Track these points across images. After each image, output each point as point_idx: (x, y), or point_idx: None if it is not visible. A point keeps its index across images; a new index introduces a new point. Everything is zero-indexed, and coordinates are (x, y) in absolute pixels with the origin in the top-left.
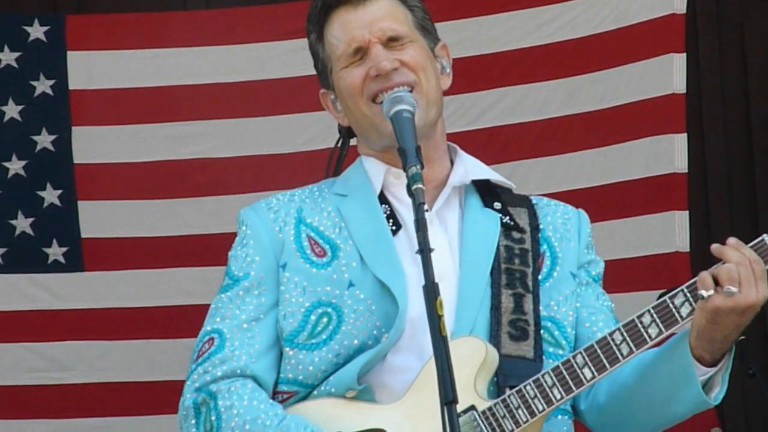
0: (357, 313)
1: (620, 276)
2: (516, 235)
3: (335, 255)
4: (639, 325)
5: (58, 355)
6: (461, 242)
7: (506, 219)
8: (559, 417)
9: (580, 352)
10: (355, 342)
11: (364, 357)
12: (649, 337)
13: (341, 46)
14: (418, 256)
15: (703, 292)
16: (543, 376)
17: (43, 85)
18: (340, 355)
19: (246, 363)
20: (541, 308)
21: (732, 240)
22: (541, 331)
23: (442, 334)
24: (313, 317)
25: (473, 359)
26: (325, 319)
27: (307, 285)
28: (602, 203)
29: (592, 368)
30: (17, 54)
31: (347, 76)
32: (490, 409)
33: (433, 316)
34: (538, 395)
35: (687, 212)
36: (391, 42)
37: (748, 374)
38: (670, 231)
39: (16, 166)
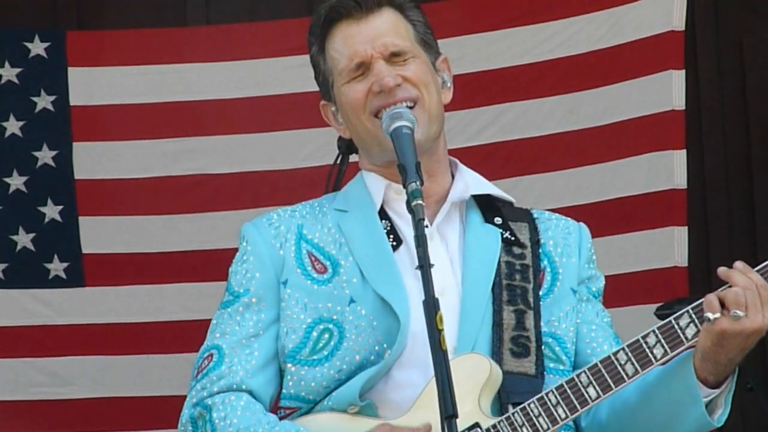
0: (359, 329)
1: (619, 290)
2: (517, 250)
3: (336, 271)
4: (644, 345)
5: (59, 370)
6: (462, 258)
7: (507, 234)
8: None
9: (585, 371)
10: (357, 358)
11: (366, 373)
12: (654, 357)
13: (343, 60)
14: (419, 272)
15: (710, 315)
16: (547, 394)
17: (44, 101)
18: (342, 371)
19: (242, 378)
20: (542, 324)
21: (739, 264)
22: (542, 347)
23: (442, 348)
24: (314, 333)
25: (478, 376)
26: (326, 335)
27: (308, 301)
28: (602, 218)
29: (597, 387)
30: (18, 70)
31: (349, 91)
32: (494, 426)
33: (433, 331)
34: (543, 413)
35: (686, 228)
36: (394, 57)
37: (746, 388)
38: (669, 246)
39: (17, 182)
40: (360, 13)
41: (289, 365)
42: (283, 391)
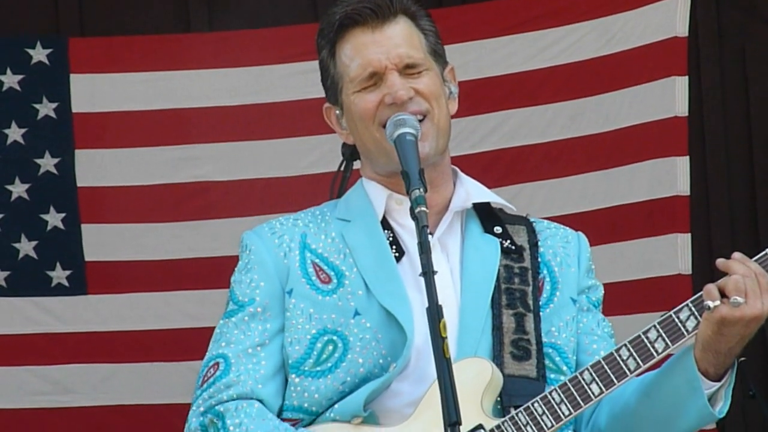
0: (363, 341)
1: (622, 298)
2: (515, 254)
3: (341, 282)
4: (645, 340)
5: (62, 379)
6: (462, 269)
7: (507, 243)
8: None
9: (587, 369)
10: (361, 371)
11: (371, 385)
12: (656, 351)
13: (356, 69)
14: (422, 283)
15: (710, 303)
16: (551, 392)
17: (45, 108)
18: (346, 383)
19: (252, 388)
20: (542, 327)
21: (737, 254)
22: (544, 349)
23: (446, 356)
24: (319, 344)
25: (479, 379)
26: (330, 347)
27: (314, 312)
28: (605, 226)
29: (600, 383)
30: (20, 77)
31: (360, 101)
32: (498, 427)
33: (437, 338)
34: (546, 412)
35: (689, 235)
36: (408, 69)
37: (748, 395)
38: (672, 253)
39: (19, 189)
40: (375, 21)
41: (293, 376)
42: (286, 402)
